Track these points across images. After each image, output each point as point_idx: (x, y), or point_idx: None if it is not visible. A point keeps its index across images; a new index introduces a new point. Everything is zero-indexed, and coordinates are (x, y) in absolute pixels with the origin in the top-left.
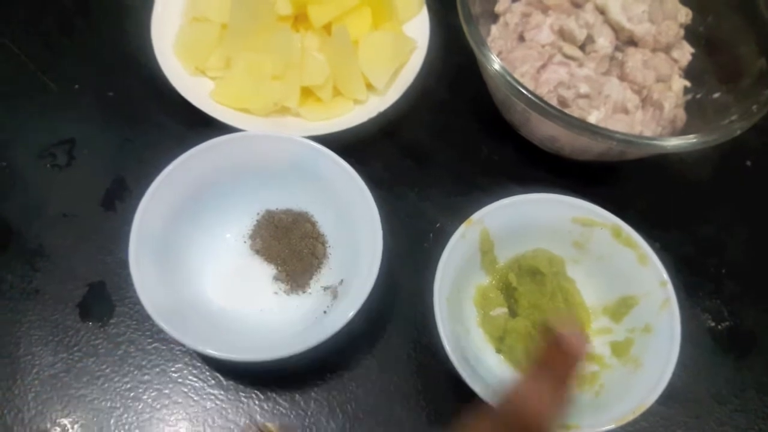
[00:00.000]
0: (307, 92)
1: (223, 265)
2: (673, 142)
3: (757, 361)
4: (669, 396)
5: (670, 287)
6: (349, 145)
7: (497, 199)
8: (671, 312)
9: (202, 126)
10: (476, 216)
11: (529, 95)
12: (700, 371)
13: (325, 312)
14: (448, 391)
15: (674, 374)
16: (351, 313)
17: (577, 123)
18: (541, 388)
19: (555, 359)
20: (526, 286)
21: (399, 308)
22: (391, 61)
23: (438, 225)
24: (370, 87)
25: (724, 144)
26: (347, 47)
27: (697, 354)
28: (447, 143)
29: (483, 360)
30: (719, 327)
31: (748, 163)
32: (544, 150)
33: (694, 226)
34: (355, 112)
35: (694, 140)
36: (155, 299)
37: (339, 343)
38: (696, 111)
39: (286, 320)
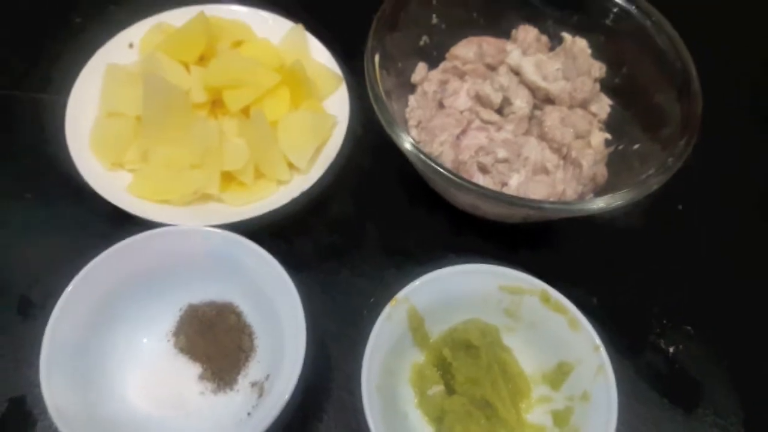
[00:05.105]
0: (228, 177)
1: (146, 369)
2: (586, 206)
3: (706, 413)
4: None
5: (603, 352)
6: (277, 226)
7: (431, 269)
8: (606, 378)
9: (124, 220)
10: (401, 294)
11: (442, 170)
12: (649, 429)
13: (249, 414)
14: None
15: None
16: (270, 420)
17: (490, 194)
18: None
19: None
20: (461, 360)
21: (336, 393)
22: (311, 140)
23: (372, 300)
24: (292, 166)
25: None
26: (266, 130)
27: (644, 411)
28: (376, 216)
29: None
30: (665, 380)
31: (680, 207)
32: (473, 215)
33: (633, 275)
34: (280, 193)
35: (611, 201)
36: (71, 420)
37: None
38: (620, 163)
39: (213, 424)
